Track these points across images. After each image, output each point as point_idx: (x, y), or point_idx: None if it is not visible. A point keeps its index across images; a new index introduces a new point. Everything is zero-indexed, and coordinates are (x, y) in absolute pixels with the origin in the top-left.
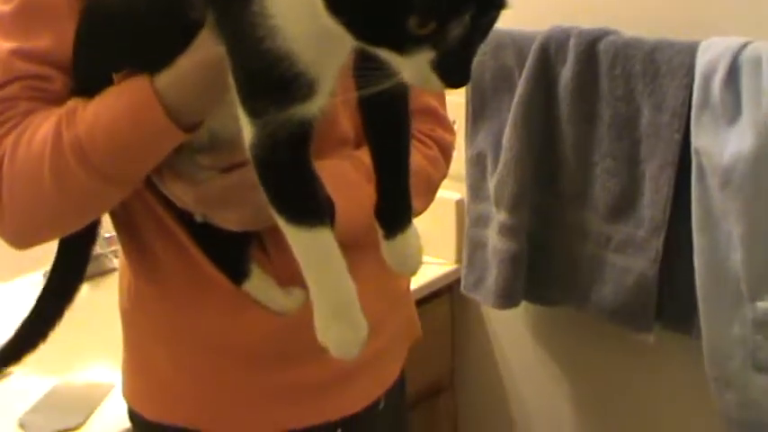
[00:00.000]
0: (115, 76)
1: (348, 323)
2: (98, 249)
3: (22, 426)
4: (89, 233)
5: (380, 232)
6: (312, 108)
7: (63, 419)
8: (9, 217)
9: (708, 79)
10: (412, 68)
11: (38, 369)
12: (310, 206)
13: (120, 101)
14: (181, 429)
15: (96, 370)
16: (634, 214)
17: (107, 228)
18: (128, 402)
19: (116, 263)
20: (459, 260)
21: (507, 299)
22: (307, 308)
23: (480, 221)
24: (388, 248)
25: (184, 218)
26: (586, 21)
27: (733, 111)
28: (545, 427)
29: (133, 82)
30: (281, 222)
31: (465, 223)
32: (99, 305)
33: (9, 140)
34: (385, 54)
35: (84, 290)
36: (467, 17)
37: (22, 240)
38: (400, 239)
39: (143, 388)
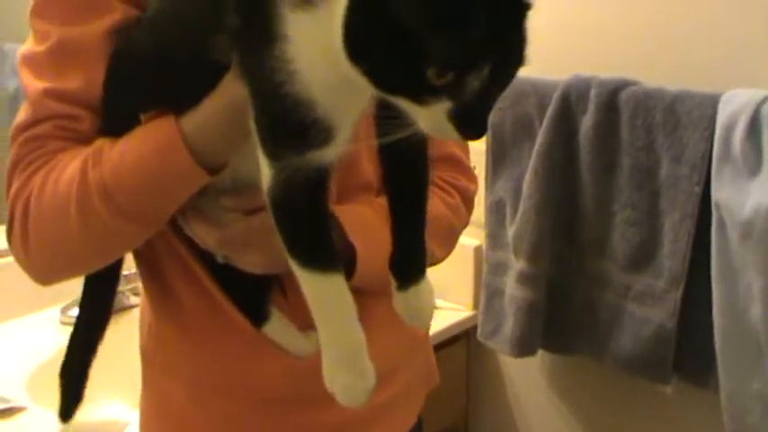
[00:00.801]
0: (143, 117)
1: (356, 371)
2: None
3: None
4: (112, 272)
5: (393, 283)
6: (329, 154)
7: None
8: (35, 253)
9: (729, 131)
10: (429, 118)
11: (53, 405)
12: (324, 251)
13: (146, 142)
14: None
15: (112, 407)
16: (653, 265)
17: (126, 265)
18: None
19: (134, 300)
20: (476, 306)
21: (524, 347)
22: None
23: (498, 269)
24: (399, 300)
25: (206, 259)
26: (608, 70)
27: (754, 164)
28: None
29: (159, 123)
30: (294, 265)
31: (483, 270)
32: (116, 342)
33: (38, 178)
34: (403, 103)
35: None
36: (485, 70)
37: (47, 277)
38: (413, 292)
39: (160, 427)
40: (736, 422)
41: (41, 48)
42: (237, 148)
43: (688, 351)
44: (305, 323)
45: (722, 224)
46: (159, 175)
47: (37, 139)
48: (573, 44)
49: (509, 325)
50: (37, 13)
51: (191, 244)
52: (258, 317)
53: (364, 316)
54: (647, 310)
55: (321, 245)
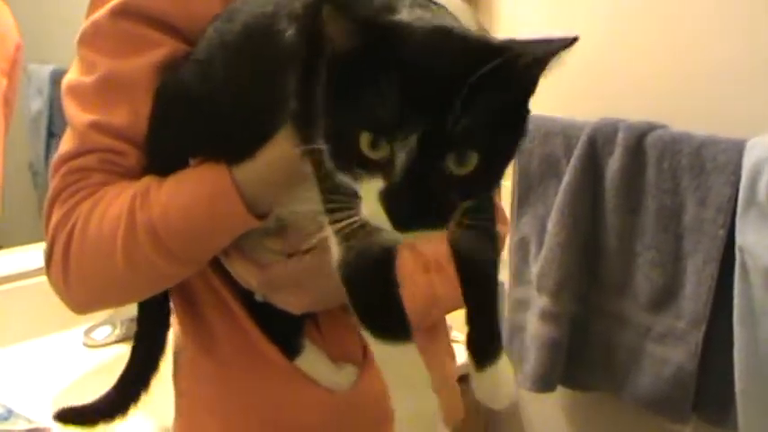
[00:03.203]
0: (191, 161)
1: None
2: None
3: None
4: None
5: (471, 364)
6: (395, 238)
7: None
8: (75, 285)
9: (754, 177)
10: (366, 199)
11: (77, 426)
12: (395, 323)
13: (199, 188)
14: None
15: None
16: (675, 306)
17: None
18: None
19: None
20: None
21: (544, 383)
22: (358, 387)
23: (521, 306)
24: (476, 380)
25: (241, 293)
26: (635, 114)
27: None
28: None
29: (210, 171)
30: (367, 337)
31: (505, 306)
32: None
33: (81, 210)
34: (348, 181)
35: (125, 352)
36: (412, 140)
37: (85, 307)
38: (489, 372)
39: None
40: None
41: (88, 79)
42: (285, 197)
43: (708, 391)
44: (338, 356)
45: (745, 268)
46: (209, 221)
47: (81, 171)
48: (600, 87)
49: (530, 361)
50: (85, 42)
51: (228, 280)
52: (292, 349)
53: None
54: (668, 351)
55: (392, 316)
